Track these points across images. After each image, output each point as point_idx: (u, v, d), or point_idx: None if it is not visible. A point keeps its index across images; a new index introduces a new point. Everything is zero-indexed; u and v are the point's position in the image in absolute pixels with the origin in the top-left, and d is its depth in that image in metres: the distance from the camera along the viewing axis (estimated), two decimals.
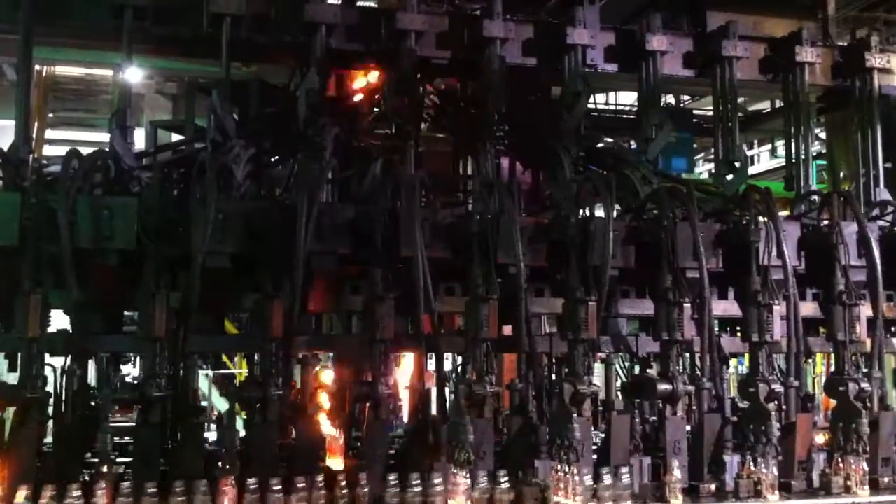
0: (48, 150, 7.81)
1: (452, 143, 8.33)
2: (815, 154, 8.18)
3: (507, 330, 5.87)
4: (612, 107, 14.49)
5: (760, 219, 6.10)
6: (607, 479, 5.10)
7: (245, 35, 6.71)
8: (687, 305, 5.82)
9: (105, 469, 4.75)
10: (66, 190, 5.17)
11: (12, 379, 5.08)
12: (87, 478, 4.77)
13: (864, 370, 6.08)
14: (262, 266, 5.41)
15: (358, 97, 7.83)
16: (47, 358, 5.21)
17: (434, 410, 5.73)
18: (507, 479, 5.11)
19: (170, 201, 5.56)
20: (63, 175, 5.26)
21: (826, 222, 6.39)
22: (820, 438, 6.11)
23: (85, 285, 5.18)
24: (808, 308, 6.35)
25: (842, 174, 9.06)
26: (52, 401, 5.22)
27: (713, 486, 5.61)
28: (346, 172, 6.48)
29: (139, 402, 5.09)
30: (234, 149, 6.10)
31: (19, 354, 5.07)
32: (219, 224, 5.29)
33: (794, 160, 7.73)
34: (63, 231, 5.07)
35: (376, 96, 7.52)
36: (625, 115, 13.19)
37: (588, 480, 5.09)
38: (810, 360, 6.61)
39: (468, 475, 5.07)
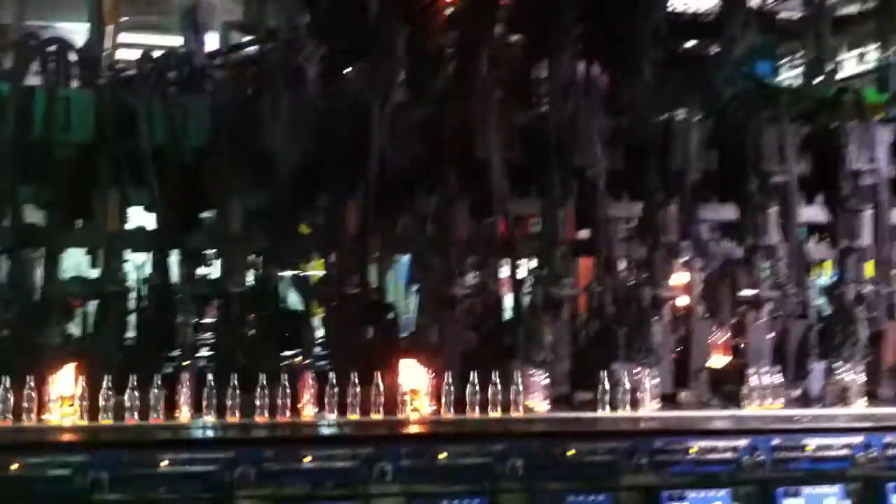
0: (121, 54, 7.79)
1: (527, 45, 8.09)
2: None
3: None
4: (695, 9, 13.92)
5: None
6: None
7: None
8: (772, 210, 5.63)
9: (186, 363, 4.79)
10: (144, 86, 5.13)
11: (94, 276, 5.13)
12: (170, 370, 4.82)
13: None
14: (338, 164, 5.34)
15: None
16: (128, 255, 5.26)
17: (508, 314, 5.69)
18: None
19: (242, 101, 5.49)
20: (139, 71, 5.23)
21: None
22: None
23: (163, 183, 5.17)
24: None
25: None
26: (133, 296, 5.27)
27: (798, 392, 5.50)
28: (420, 74, 6.34)
29: (218, 297, 5.11)
30: (305, 49, 5.99)
31: (100, 250, 5.10)
32: (291, 123, 5.21)
33: (885, 62, 7.37)
34: (142, 127, 5.05)
35: None
36: (708, 18, 12.66)
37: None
38: None
39: (545, 375, 5.03)
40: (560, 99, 5.68)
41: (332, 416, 4.71)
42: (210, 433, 4.49)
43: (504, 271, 5.82)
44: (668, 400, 5.27)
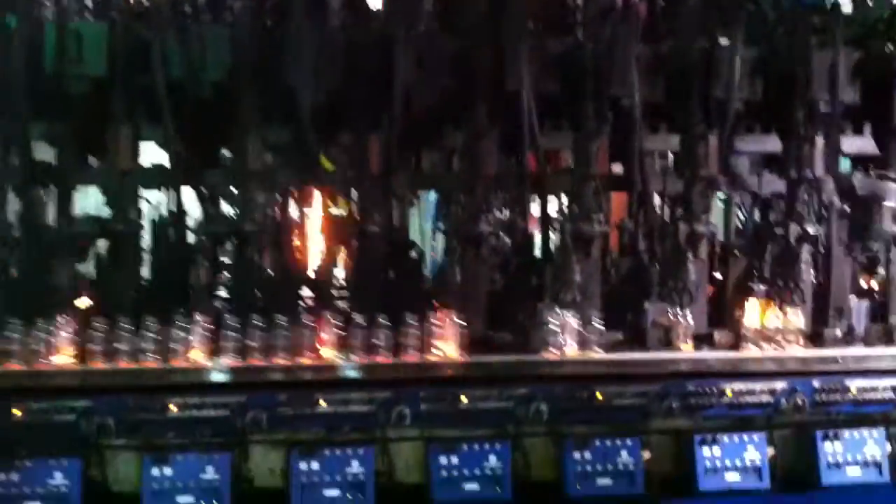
0: None
1: None
2: None
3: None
4: None
5: None
6: None
7: None
8: (819, 141, 5.31)
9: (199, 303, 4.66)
10: (159, 17, 4.94)
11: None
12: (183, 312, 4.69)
13: None
14: (360, 98, 5.12)
15: None
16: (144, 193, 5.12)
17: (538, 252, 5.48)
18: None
19: (262, 33, 5.27)
20: (154, 3, 5.03)
21: None
22: None
23: (179, 119, 5.00)
24: None
25: None
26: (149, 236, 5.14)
27: (838, 332, 5.24)
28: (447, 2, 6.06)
29: (237, 236, 4.96)
30: None
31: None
32: (313, 56, 4.99)
33: None
34: (156, 61, 4.88)
35: None
36: None
37: None
38: None
39: (575, 316, 4.83)
40: (596, 25, 5.36)
41: (349, 359, 4.56)
42: (220, 377, 4.35)
43: (534, 209, 5.61)
44: (703, 341, 5.04)
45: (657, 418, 4.49)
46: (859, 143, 5.75)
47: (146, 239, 5.11)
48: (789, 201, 5.43)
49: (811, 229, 5.29)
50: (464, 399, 4.31)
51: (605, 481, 4.40)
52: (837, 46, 5.33)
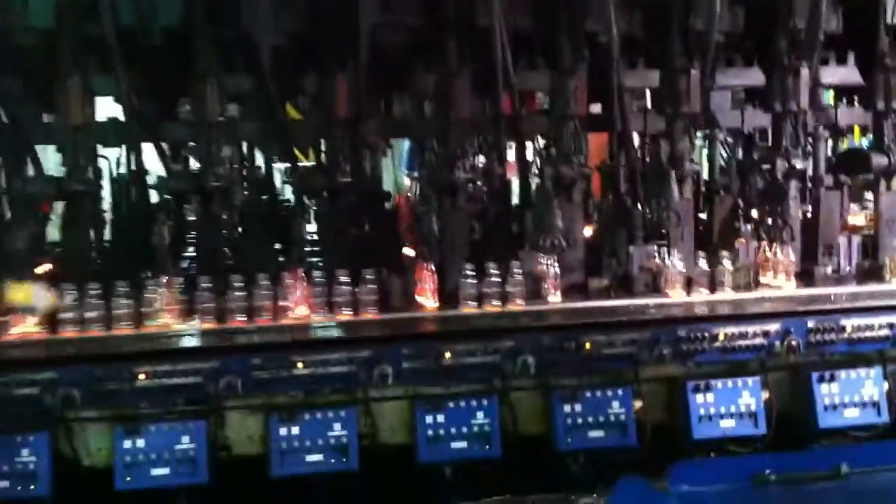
0: None
1: None
2: None
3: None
4: None
5: None
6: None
7: None
8: (804, 72, 5.12)
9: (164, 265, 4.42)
10: None
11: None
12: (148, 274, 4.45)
13: None
14: (325, 43, 4.84)
15: None
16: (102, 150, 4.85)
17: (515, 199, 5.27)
18: None
19: None
20: None
21: None
22: None
23: (133, 69, 4.71)
24: None
25: None
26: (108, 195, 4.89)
27: (828, 270, 5.10)
28: None
29: (198, 192, 4.71)
30: None
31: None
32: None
33: None
34: (105, 8, 4.56)
35: None
36: None
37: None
38: None
39: (556, 262, 4.64)
40: None
41: (326, 317, 4.36)
42: (191, 341, 4.13)
43: (510, 153, 5.39)
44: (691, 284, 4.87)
45: (648, 366, 4.33)
46: (843, 73, 5.60)
47: (106, 199, 4.86)
48: (775, 135, 5.25)
49: (798, 164, 5.11)
50: (447, 355, 4.12)
51: (596, 433, 4.25)
52: None
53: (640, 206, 5.04)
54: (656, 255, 4.79)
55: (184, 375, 3.93)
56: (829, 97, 6.02)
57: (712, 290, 4.70)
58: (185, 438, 3.96)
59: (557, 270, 4.65)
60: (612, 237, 5.03)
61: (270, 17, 4.70)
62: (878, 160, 5.26)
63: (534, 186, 5.22)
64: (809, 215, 5.25)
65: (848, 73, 5.59)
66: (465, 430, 4.15)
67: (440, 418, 4.14)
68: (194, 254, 4.80)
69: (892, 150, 5.28)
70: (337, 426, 4.05)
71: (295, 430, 4.03)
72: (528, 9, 5.03)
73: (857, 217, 5.93)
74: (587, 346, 4.24)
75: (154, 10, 4.66)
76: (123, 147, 4.97)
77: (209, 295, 4.29)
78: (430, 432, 4.13)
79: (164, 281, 4.27)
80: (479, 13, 4.87)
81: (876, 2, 5.26)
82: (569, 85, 4.99)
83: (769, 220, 5.11)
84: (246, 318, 4.26)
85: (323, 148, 4.97)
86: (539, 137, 5.49)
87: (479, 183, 5.12)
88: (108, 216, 4.99)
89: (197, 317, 4.25)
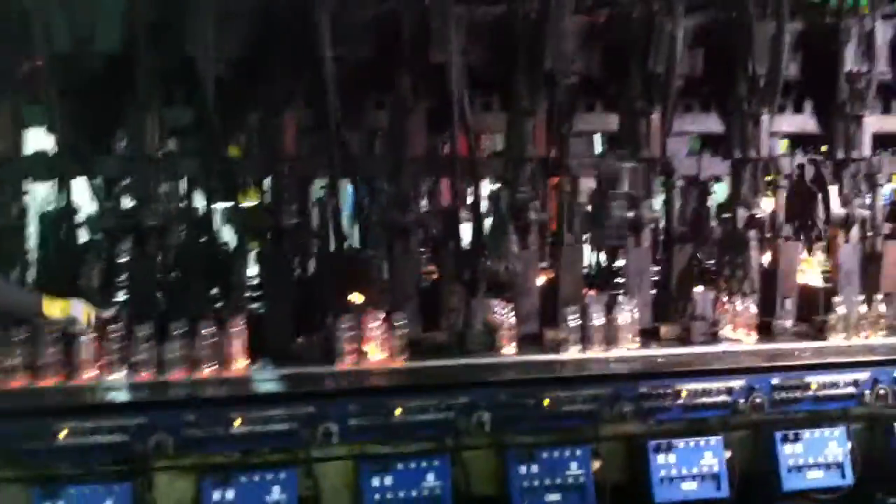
0: None
1: None
2: None
3: None
4: None
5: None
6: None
7: None
8: (765, 118, 4.99)
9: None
10: None
11: None
12: None
13: None
14: (271, 75, 4.59)
15: None
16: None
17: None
18: None
19: None
20: None
21: None
22: None
23: (66, 98, 4.41)
24: None
25: None
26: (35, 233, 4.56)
27: (787, 324, 4.96)
28: None
29: (133, 230, 4.41)
30: None
31: None
32: (217, 24, 4.42)
33: None
34: (37, 29, 4.26)
35: None
36: None
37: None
38: None
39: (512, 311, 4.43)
40: None
41: (267, 369, 4.08)
42: (119, 395, 3.82)
43: (463, 194, 5.17)
44: (650, 336, 4.70)
45: (607, 424, 4.12)
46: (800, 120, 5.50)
47: (32, 236, 4.54)
48: (734, 183, 5.11)
49: (758, 212, 4.97)
50: (398, 411, 3.85)
51: (553, 497, 4.01)
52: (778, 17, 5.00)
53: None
54: (617, 306, 4.59)
55: (109, 433, 3.61)
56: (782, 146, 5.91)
57: (669, 344, 4.52)
58: (109, 502, 3.63)
59: (513, 321, 4.43)
60: (568, 286, 4.82)
61: (215, 43, 4.43)
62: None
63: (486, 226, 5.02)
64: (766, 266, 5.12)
65: (804, 121, 5.52)
66: (414, 493, 3.88)
67: (387, 480, 3.87)
68: (125, 297, 4.47)
69: (850, 201, 5.19)
70: (275, 489, 3.75)
71: (230, 493, 3.72)
72: (485, 46, 4.83)
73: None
74: (546, 401, 4.01)
75: (91, 33, 4.37)
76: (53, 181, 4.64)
77: (141, 344, 3.98)
78: (376, 496, 3.85)
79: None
80: (435, 47, 4.66)
81: (835, 49, 5.17)
82: (526, 126, 4.81)
83: (728, 271, 4.96)
84: (180, 370, 3.96)
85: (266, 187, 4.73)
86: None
87: (431, 226, 4.90)
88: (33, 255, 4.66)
89: (125, 368, 3.94)
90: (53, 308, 3.89)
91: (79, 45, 4.34)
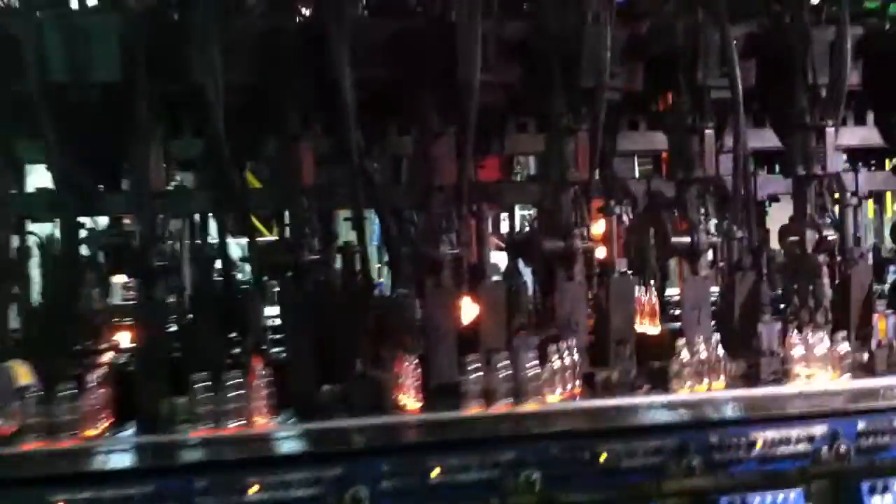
0: None
1: None
2: None
3: None
4: None
5: None
6: None
7: None
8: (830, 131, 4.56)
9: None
10: (30, 7, 3.98)
11: None
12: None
13: None
14: (285, 101, 4.21)
15: None
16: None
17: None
18: None
19: (164, 21, 4.32)
20: None
21: None
22: None
23: (63, 131, 4.05)
24: None
25: None
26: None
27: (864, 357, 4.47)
28: None
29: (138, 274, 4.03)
30: None
31: None
32: (226, 49, 4.05)
33: None
34: (30, 60, 3.91)
35: None
36: None
37: None
38: None
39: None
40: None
41: (289, 425, 3.65)
42: (121, 460, 3.40)
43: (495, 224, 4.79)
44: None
45: (673, 479, 3.66)
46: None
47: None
48: (797, 203, 4.67)
49: (828, 234, 4.52)
50: (436, 472, 3.41)
51: None
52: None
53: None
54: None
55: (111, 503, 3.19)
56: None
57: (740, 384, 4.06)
58: None
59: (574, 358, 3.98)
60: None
61: (225, 70, 4.06)
62: None
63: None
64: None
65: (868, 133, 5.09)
66: None
67: None
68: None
69: None
70: None
71: None
72: (515, 63, 4.42)
73: None
74: (602, 456, 3.55)
75: (90, 63, 4.01)
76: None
77: (148, 398, 3.59)
78: None
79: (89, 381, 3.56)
80: (461, 66, 4.25)
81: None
82: (567, 145, 4.40)
83: (796, 300, 4.50)
84: (191, 428, 3.56)
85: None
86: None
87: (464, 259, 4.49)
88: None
89: (131, 427, 3.54)
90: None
91: (76, 76, 4.00)
